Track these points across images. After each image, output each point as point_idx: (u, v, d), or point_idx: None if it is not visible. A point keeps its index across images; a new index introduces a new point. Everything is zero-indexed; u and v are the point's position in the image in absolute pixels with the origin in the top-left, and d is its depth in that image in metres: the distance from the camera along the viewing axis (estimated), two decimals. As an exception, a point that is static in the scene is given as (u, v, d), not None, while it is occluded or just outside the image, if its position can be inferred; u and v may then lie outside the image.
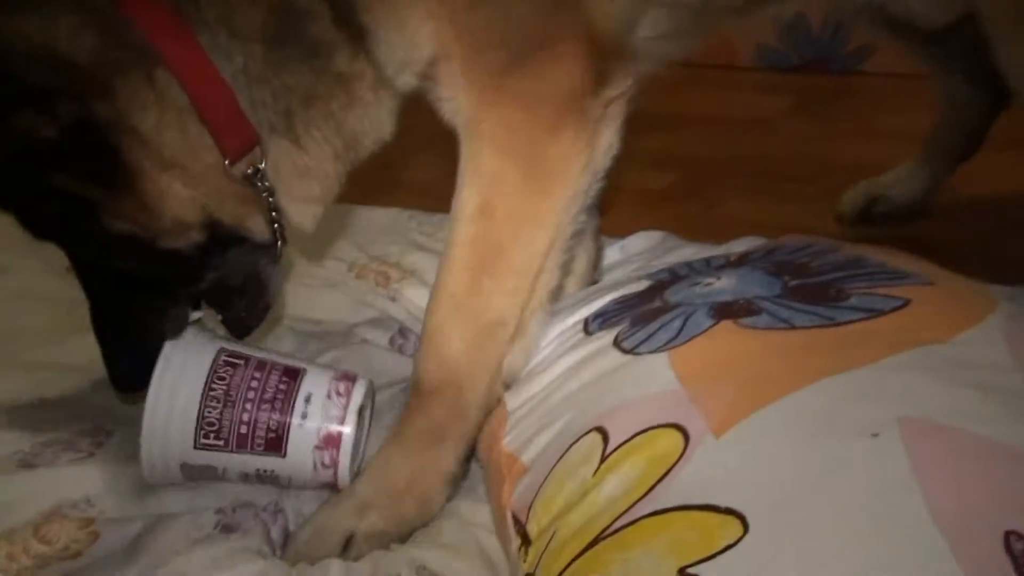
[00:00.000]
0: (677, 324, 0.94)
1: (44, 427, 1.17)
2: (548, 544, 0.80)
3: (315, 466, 1.05)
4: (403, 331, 1.38)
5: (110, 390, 1.18)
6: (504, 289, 1.05)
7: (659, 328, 0.95)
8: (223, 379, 1.04)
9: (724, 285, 1.01)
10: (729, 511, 0.69)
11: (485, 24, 1.01)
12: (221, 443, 1.03)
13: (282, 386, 1.05)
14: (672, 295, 1.03)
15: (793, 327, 0.89)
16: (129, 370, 1.08)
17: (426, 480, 1.04)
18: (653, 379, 0.87)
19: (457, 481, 1.06)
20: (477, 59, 1.02)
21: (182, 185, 1.02)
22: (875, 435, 0.71)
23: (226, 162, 1.02)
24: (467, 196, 1.05)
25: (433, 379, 1.05)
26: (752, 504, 0.69)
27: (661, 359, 0.89)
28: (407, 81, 1.06)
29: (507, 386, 1.07)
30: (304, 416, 1.05)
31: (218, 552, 0.94)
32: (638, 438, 0.80)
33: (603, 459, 0.81)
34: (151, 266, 1.05)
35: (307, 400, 1.05)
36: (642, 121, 1.21)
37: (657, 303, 1.02)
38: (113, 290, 1.07)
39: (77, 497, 1.05)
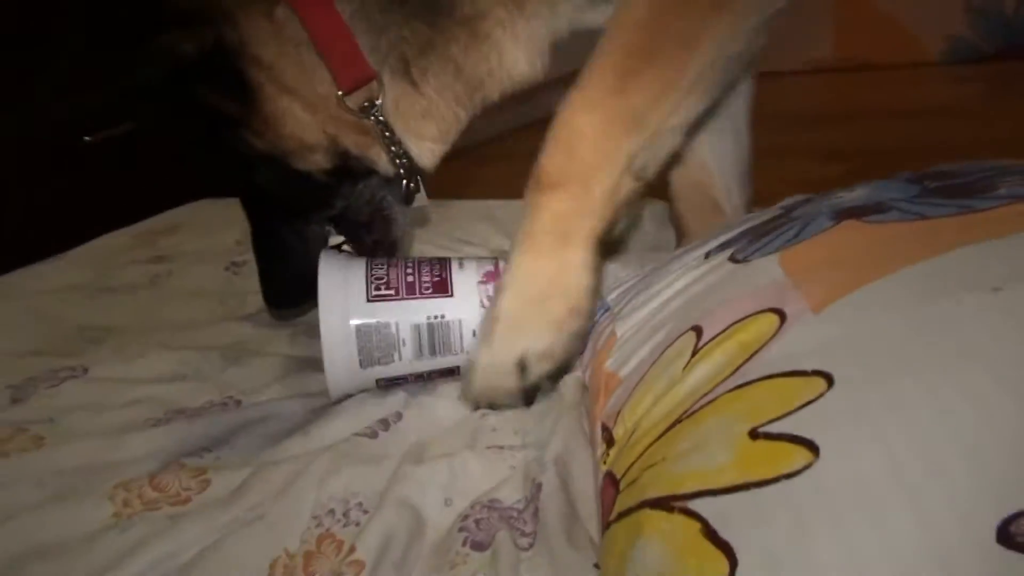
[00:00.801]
0: (795, 229, 0.85)
1: (178, 397, 1.19)
2: (629, 440, 0.72)
3: (482, 302, 1.04)
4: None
5: (243, 367, 1.23)
6: (647, 95, 0.96)
7: (775, 236, 0.86)
8: (381, 265, 1.07)
9: (857, 195, 0.91)
10: (816, 372, 0.60)
11: None
12: (392, 292, 1.04)
13: (435, 262, 1.09)
14: (799, 211, 0.93)
15: (925, 218, 0.78)
16: (280, 289, 1.19)
17: (568, 278, 0.97)
18: (758, 277, 0.78)
19: (599, 276, 0.99)
20: None
21: (301, 109, 1.10)
22: (997, 289, 0.59)
23: (339, 93, 1.08)
24: (627, 8, 0.98)
25: (559, 171, 0.98)
26: (842, 364, 0.60)
27: (771, 260, 0.80)
28: None
29: (637, 181, 0.99)
30: (461, 265, 1.08)
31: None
32: (732, 327, 0.72)
33: (694, 353, 0.73)
34: (287, 186, 1.15)
35: (459, 263, 1.08)
36: (815, 117, 1.14)
37: (781, 219, 0.93)
38: (263, 211, 1.18)
39: (196, 449, 1.05)
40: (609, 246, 1.02)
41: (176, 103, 1.13)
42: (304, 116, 1.11)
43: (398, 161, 1.15)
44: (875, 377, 0.57)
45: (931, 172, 0.94)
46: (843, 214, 0.84)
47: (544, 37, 1.12)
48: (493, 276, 1.06)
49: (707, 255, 0.95)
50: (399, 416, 1.06)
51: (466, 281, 1.06)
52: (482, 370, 0.99)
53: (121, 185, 2.48)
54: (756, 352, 0.66)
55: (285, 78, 1.09)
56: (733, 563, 0.53)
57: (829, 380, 0.59)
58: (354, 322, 1.03)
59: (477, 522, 0.84)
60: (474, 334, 1.04)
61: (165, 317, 1.50)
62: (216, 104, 1.11)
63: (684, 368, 0.72)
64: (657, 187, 1.33)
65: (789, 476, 0.54)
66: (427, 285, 1.05)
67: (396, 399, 1.07)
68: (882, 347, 0.60)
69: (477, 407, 1.01)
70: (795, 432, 0.56)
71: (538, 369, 0.98)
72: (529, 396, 1.01)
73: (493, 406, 1.00)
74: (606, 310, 1.00)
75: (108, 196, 2.40)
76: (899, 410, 0.54)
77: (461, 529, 0.84)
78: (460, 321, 1.04)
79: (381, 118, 1.11)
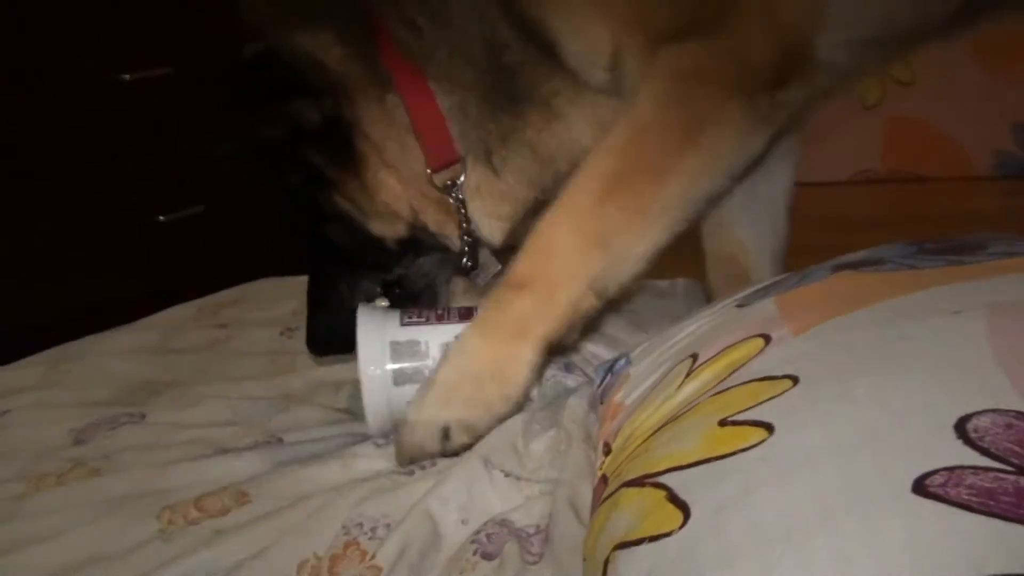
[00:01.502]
0: (795, 280, 0.92)
1: (226, 438, 1.28)
2: (623, 448, 0.79)
3: None
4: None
5: (289, 414, 1.31)
6: (616, 220, 1.06)
7: (778, 285, 0.93)
8: (414, 309, 1.21)
9: (858, 254, 0.97)
10: (785, 376, 0.66)
11: (659, 8, 1.08)
12: (423, 319, 1.17)
13: (463, 308, 1.21)
14: (807, 268, 1.00)
15: (914, 268, 0.84)
16: (323, 332, 1.30)
17: (509, 369, 1.07)
18: (754, 314, 0.85)
19: (538, 374, 1.09)
20: (655, 39, 1.08)
21: (396, 181, 1.26)
22: (956, 312, 0.66)
23: (428, 170, 1.23)
24: (616, 134, 1.09)
25: (528, 273, 1.09)
26: (807, 369, 0.66)
27: (768, 301, 0.87)
28: (600, 78, 1.14)
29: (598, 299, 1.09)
30: None
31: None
32: (724, 351, 0.78)
33: (688, 374, 0.79)
34: (357, 245, 1.29)
35: None
36: (861, 222, 1.23)
37: (789, 276, 0.99)
38: (326, 262, 1.31)
39: (241, 479, 1.11)
40: (557, 349, 1.13)
41: (283, 161, 1.28)
42: (397, 187, 1.26)
43: (466, 238, 1.28)
44: (833, 377, 0.64)
45: (932, 239, 1.00)
46: (841, 267, 0.90)
47: (607, 105, 1.21)
48: None
49: (722, 307, 1.02)
50: (434, 461, 1.12)
51: None
52: (410, 427, 1.08)
53: (190, 262, 2.61)
54: (740, 367, 0.73)
55: (387, 154, 1.25)
56: (687, 516, 0.59)
57: (795, 380, 0.65)
58: (389, 339, 1.14)
59: (488, 536, 0.90)
60: None
61: (221, 373, 1.59)
62: (318, 166, 1.26)
63: (678, 387, 0.79)
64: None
65: (745, 450, 0.61)
66: (455, 315, 1.16)
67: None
68: (845, 356, 0.66)
69: (401, 461, 1.09)
70: (757, 418, 0.62)
71: (458, 439, 1.07)
72: (445, 455, 1.08)
73: (414, 460, 1.08)
74: (628, 362, 1.06)
75: (178, 272, 2.54)
76: (847, 402, 0.60)
77: (473, 541, 0.90)
78: None
79: (461, 196, 1.25)
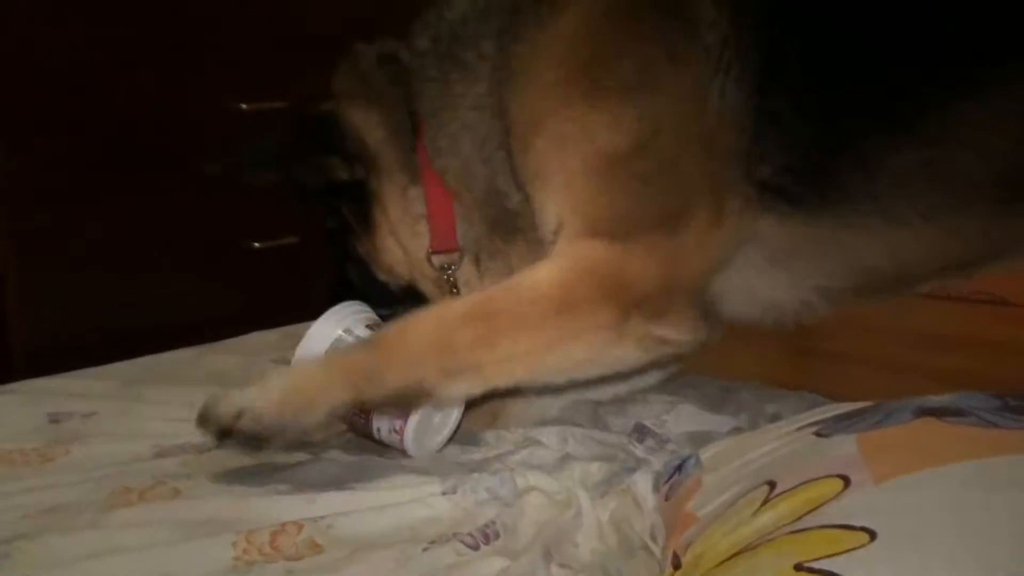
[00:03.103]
0: (877, 418, 0.94)
1: (305, 479, 1.33)
2: (694, 565, 0.81)
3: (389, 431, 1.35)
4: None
5: (361, 459, 1.36)
6: (467, 348, 1.22)
7: (859, 420, 0.95)
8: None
9: (943, 399, 0.99)
10: (863, 528, 0.68)
11: (596, 213, 1.26)
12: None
13: None
14: (887, 405, 1.01)
15: (997, 427, 0.86)
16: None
17: (317, 398, 1.23)
18: (834, 449, 0.87)
19: (331, 425, 1.30)
20: (580, 231, 1.26)
21: (400, 251, 1.52)
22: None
23: (430, 251, 1.49)
24: (512, 278, 1.30)
25: (383, 340, 1.28)
26: (886, 525, 0.68)
27: (849, 438, 0.89)
28: (549, 239, 1.31)
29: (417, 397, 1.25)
30: None
31: None
32: (802, 485, 0.81)
33: (764, 502, 0.82)
34: (367, 285, 1.55)
35: None
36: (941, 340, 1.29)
37: (870, 409, 1.01)
38: (342, 292, 1.53)
39: (315, 520, 1.15)
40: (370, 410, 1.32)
41: (325, 206, 1.57)
42: (399, 255, 1.53)
43: None
44: (911, 541, 0.66)
45: (1017, 394, 1.01)
46: (925, 412, 0.92)
47: None
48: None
49: (799, 428, 1.04)
50: (497, 534, 1.15)
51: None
52: (220, 393, 1.27)
53: (278, 289, 2.69)
54: (817, 507, 0.75)
55: (397, 230, 1.51)
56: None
57: (872, 536, 0.67)
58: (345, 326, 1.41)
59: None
60: None
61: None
62: (346, 216, 1.53)
63: (753, 513, 0.81)
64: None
65: (820, 600, 0.63)
66: None
67: (491, 510, 1.18)
68: (925, 518, 0.68)
69: (198, 420, 1.27)
70: (831, 569, 0.65)
71: (244, 424, 1.23)
72: (222, 436, 1.25)
73: (203, 423, 1.26)
74: (697, 464, 1.09)
75: (266, 297, 2.62)
76: (923, 570, 0.62)
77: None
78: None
79: (453, 279, 1.49)
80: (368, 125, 1.48)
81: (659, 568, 1.01)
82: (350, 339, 1.40)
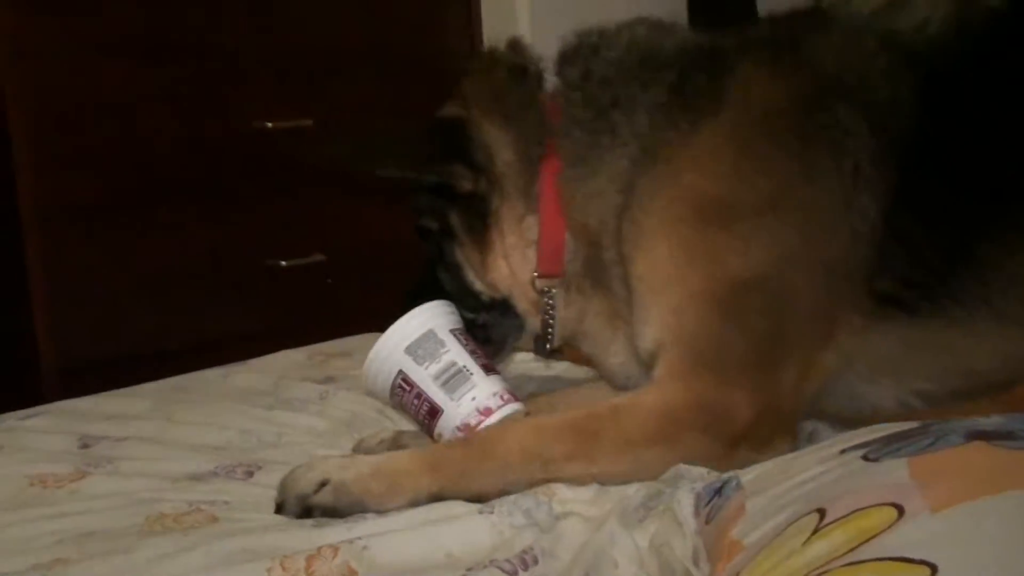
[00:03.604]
0: (928, 441, 0.92)
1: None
2: (744, 596, 0.80)
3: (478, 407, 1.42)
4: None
5: None
6: (557, 460, 1.25)
7: (909, 444, 0.93)
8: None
9: (992, 421, 0.97)
10: (923, 562, 0.67)
11: (705, 345, 1.27)
12: (467, 344, 1.49)
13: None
14: (935, 427, 1.00)
15: (1055, 451, 0.84)
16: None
17: (404, 483, 1.25)
18: (885, 475, 0.86)
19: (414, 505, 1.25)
20: (687, 364, 1.28)
21: (507, 268, 1.51)
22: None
23: (535, 274, 1.48)
24: (612, 401, 1.33)
25: (483, 438, 1.32)
26: (947, 557, 0.67)
27: (900, 462, 0.87)
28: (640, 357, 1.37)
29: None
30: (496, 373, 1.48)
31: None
32: (854, 513, 0.79)
33: (815, 531, 0.80)
34: (457, 291, 1.55)
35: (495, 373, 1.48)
36: None
37: (918, 431, 0.99)
38: (432, 287, 1.56)
39: (350, 548, 1.14)
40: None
41: (431, 205, 1.55)
42: (505, 273, 1.51)
43: (548, 330, 1.52)
44: (975, 572, 0.64)
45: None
46: (975, 435, 0.90)
47: None
48: (489, 411, 1.42)
49: (842, 451, 1.02)
50: (536, 560, 1.13)
51: (492, 384, 1.44)
52: (307, 465, 1.28)
53: (304, 307, 2.70)
54: (872, 538, 0.74)
55: (509, 249, 1.50)
56: None
57: (934, 569, 0.66)
58: (438, 325, 1.46)
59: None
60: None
61: (328, 430, 1.64)
62: (452, 224, 1.52)
63: (804, 543, 0.80)
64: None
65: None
66: (480, 356, 1.47)
67: (529, 535, 1.16)
68: (985, 550, 0.66)
69: (279, 492, 1.28)
70: (895, 604, 0.63)
71: (324, 498, 1.23)
72: (300, 504, 1.25)
73: (283, 494, 1.27)
74: (738, 486, 1.07)
75: (293, 315, 2.63)
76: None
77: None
78: (474, 395, 1.42)
79: (551, 302, 1.49)
80: (499, 144, 1.48)
81: (703, 595, 1.00)
82: (439, 336, 1.45)
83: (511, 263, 1.50)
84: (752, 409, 1.23)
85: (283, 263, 2.72)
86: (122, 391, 1.90)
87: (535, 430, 1.28)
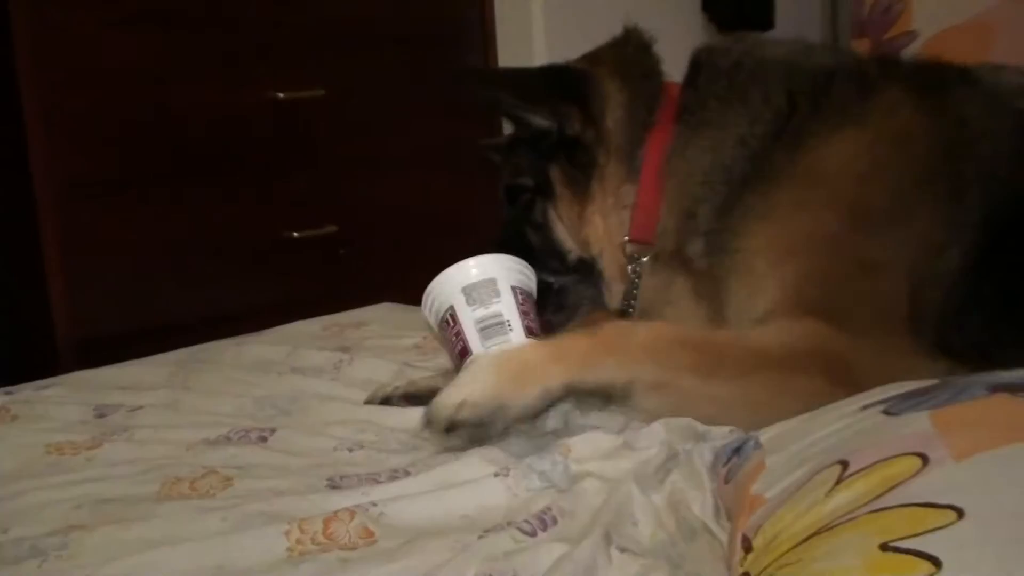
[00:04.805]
0: (949, 394, 0.91)
1: (357, 469, 1.32)
2: (767, 547, 0.79)
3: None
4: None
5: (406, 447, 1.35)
6: (678, 368, 1.27)
7: (929, 398, 0.92)
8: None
9: (1015, 374, 0.96)
10: (949, 506, 0.66)
11: (821, 309, 1.29)
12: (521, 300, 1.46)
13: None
14: (955, 381, 0.98)
15: (1082, 400, 0.83)
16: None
17: (531, 379, 1.25)
18: (907, 427, 0.85)
19: (546, 404, 1.28)
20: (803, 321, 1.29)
21: (602, 227, 1.58)
22: None
23: (626, 238, 1.56)
24: (757, 332, 1.32)
25: (607, 331, 1.31)
26: (975, 503, 0.66)
27: (922, 415, 0.86)
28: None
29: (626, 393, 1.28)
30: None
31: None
32: (877, 464, 0.78)
33: (838, 482, 0.79)
34: (544, 249, 1.61)
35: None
36: None
37: (938, 386, 0.98)
38: (520, 242, 1.61)
39: (368, 510, 1.14)
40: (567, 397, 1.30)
41: (530, 161, 1.62)
42: (600, 231, 1.58)
43: (630, 299, 1.57)
44: (1004, 516, 0.63)
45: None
46: (998, 388, 0.89)
47: None
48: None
49: (864, 407, 1.01)
50: (555, 520, 1.12)
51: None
52: (443, 393, 1.26)
53: (317, 278, 2.70)
54: (896, 485, 0.73)
55: (606, 207, 1.57)
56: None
57: (960, 513, 0.65)
58: (502, 276, 1.44)
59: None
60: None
61: (343, 396, 1.64)
62: (552, 180, 1.59)
63: (827, 493, 0.79)
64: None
65: (910, 581, 0.60)
66: (530, 319, 1.45)
67: (547, 497, 1.16)
68: (1011, 495, 0.66)
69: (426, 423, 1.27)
70: (922, 549, 0.62)
71: (463, 414, 1.23)
72: (449, 431, 1.25)
73: (431, 420, 1.26)
74: (756, 445, 1.06)
75: (305, 286, 2.63)
76: (1019, 546, 0.60)
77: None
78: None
79: (638, 269, 1.55)
80: (615, 101, 1.56)
81: (723, 550, 0.99)
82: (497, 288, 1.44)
83: (607, 222, 1.57)
84: (872, 360, 1.23)
85: (295, 234, 2.71)
86: (136, 362, 1.90)
87: (661, 335, 1.31)
